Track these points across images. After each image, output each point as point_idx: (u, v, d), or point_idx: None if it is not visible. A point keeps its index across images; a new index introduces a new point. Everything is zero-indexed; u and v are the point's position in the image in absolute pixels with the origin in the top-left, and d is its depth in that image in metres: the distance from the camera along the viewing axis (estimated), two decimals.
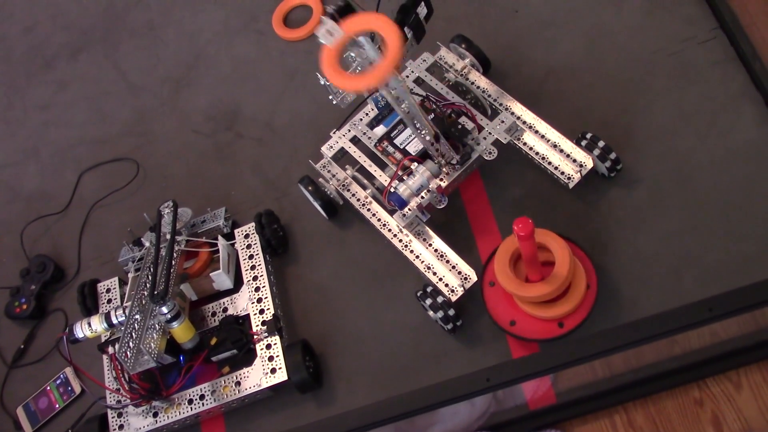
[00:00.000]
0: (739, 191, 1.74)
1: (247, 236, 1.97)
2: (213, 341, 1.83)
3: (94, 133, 2.42)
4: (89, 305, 2.01)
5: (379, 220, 1.87)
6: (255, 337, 1.82)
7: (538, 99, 1.95)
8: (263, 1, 2.44)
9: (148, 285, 1.82)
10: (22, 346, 2.11)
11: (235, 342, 1.82)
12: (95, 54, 2.57)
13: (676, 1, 2.02)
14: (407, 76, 1.99)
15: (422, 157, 1.82)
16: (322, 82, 1.73)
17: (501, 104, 1.89)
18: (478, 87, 1.93)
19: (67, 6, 2.73)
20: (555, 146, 1.82)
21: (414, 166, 1.79)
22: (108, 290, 2.02)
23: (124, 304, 1.82)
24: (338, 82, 1.32)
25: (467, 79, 1.95)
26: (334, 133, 1.99)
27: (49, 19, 2.72)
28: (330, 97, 1.77)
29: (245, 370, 1.80)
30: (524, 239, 1.47)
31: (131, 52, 2.53)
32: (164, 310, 1.72)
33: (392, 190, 1.79)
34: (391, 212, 1.84)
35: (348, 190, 1.93)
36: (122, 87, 2.47)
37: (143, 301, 1.80)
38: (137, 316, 1.76)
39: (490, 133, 1.83)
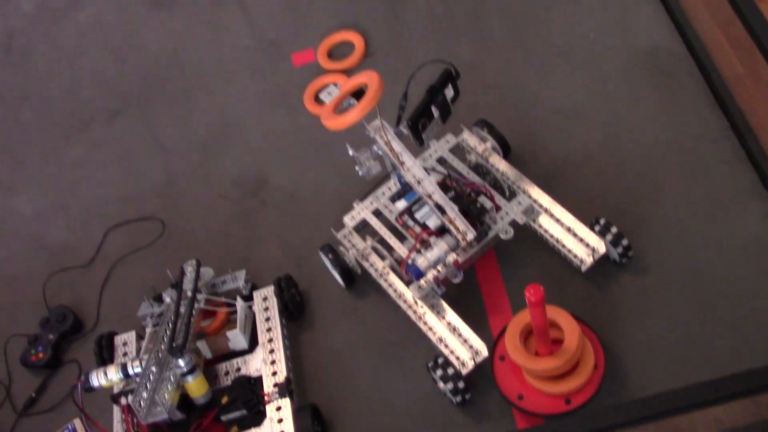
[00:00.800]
0: (745, 283, 1.80)
1: (265, 299, 2.03)
2: (224, 399, 1.86)
3: (123, 192, 2.51)
4: (105, 357, 2.05)
5: (395, 290, 1.93)
6: (266, 398, 1.85)
7: (555, 184, 2.03)
8: (296, 78, 2.57)
9: (166, 338, 1.87)
10: (34, 395, 2.14)
11: (246, 402, 1.84)
12: (131, 117, 2.69)
13: (690, 101, 2.13)
14: (430, 155, 2.09)
15: (441, 232, 1.89)
16: (351, 153, 1.83)
17: (519, 187, 1.97)
18: (498, 169, 2.02)
19: (108, 71, 2.87)
20: (569, 230, 1.88)
21: (432, 239, 1.86)
22: (125, 343, 2.06)
23: (141, 356, 1.86)
24: (332, 124, 1.72)
25: (488, 161, 2.04)
26: (357, 204, 2.07)
27: (90, 83, 2.86)
28: (356, 167, 1.86)
29: (253, 430, 1.82)
30: (535, 305, 1.52)
31: (166, 117, 2.65)
32: (181, 363, 1.76)
33: (410, 261, 1.85)
34: (408, 283, 1.89)
35: (367, 260, 1.99)
36: (155, 150, 2.58)
37: (160, 354, 1.84)
38: (153, 368, 1.80)
39: (507, 213, 1.91)
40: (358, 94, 1.81)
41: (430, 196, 1.83)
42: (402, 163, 1.83)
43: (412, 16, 2.62)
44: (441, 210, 1.83)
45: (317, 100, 2.49)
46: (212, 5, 2.92)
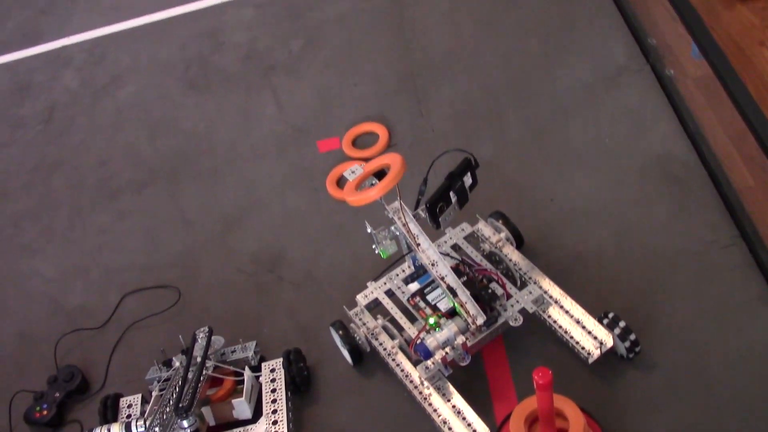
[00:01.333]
0: (753, 388, 1.80)
1: (273, 370, 2.04)
2: None
3: (143, 260, 2.57)
4: (109, 418, 2.06)
5: (402, 370, 1.94)
6: None
7: (566, 277, 2.06)
8: (320, 163, 2.67)
9: (172, 401, 1.88)
10: None
11: None
12: (159, 190, 2.79)
13: (701, 209, 2.19)
14: (446, 242, 2.14)
15: (451, 315, 1.92)
16: (369, 230, 1.89)
17: (530, 277, 2.02)
18: (511, 259, 2.07)
19: (141, 147, 2.99)
20: (578, 322, 1.91)
21: (443, 321, 1.89)
22: (130, 405, 2.07)
23: (145, 417, 1.87)
24: (353, 200, 1.80)
25: (501, 251, 2.09)
26: (370, 283, 2.11)
27: (123, 157, 2.98)
28: (373, 246, 1.91)
29: None
30: (543, 388, 1.53)
31: (192, 192, 2.74)
32: (185, 424, 1.77)
33: (420, 341, 1.88)
34: (416, 363, 1.91)
35: (376, 339, 2.01)
36: (178, 222, 2.66)
37: (164, 416, 1.85)
38: (157, 429, 1.81)
39: (517, 302, 1.94)
40: (380, 175, 1.89)
41: (443, 279, 1.88)
42: (418, 245, 1.89)
43: (436, 113, 2.74)
44: (453, 293, 1.87)
45: (339, 185, 2.58)
46: (246, 91, 3.07)
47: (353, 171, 1.98)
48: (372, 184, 1.87)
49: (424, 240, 1.89)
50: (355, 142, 2.72)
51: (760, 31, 2.47)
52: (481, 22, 3.05)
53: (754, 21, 2.52)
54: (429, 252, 1.90)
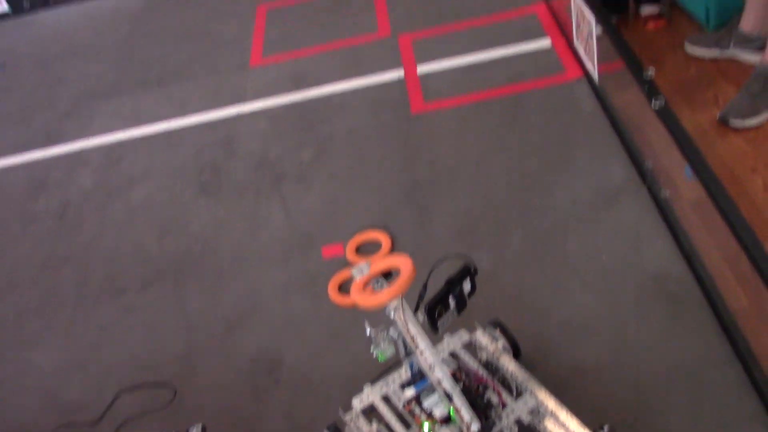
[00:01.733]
0: None
1: None
2: None
3: (142, 358, 2.59)
4: None
5: None
6: None
7: (562, 389, 2.06)
8: (323, 269, 2.72)
9: None
10: None
11: None
12: (164, 289, 2.83)
13: (696, 327, 2.22)
14: (443, 348, 2.16)
15: (446, 421, 1.92)
16: (368, 332, 1.92)
17: (526, 387, 2.02)
18: (507, 369, 2.08)
19: (149, 245, 3.06)
20: None
21: (437, 427, 1.89)
22: None
23: None
24: (362, 301, 1.77)
25: (498, 360, 2.11)
26: (367, 387, 2.12)
27: (131, 254, 3.04)
28: (372, 348, 1.93)
29: None
30: None
31: (197, 292, 2.79)
32: None
33: None
34: None
35: None
36: (180, 321, 2.68)
37: None
38: None
39: (513, 411, 1.94)
40: (387, 275, 1.93)
41: (440, 383, 1.89)
42: (416, 347, 1.91)
43: (438, 224, 2.81)
44: (449, 397, 1.88)
45: (341, 291, 2.62)
46: (255, 197, 3.17)
47: (360, 270, 1.98)
48: (378, 284, 1.88)
49: (422, 342, 1.91)
50: (359, 249, 2.78)
51: (752, 158, 2.58)
52: (485, 140, 3.18)
53: (746, 149, 2.63)
54: (427, 353, 1.91)
